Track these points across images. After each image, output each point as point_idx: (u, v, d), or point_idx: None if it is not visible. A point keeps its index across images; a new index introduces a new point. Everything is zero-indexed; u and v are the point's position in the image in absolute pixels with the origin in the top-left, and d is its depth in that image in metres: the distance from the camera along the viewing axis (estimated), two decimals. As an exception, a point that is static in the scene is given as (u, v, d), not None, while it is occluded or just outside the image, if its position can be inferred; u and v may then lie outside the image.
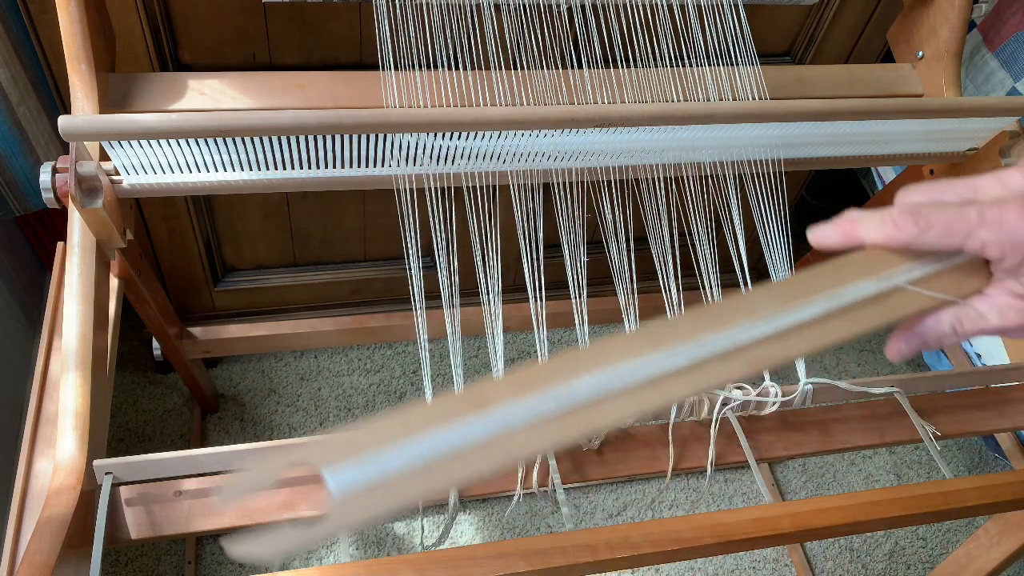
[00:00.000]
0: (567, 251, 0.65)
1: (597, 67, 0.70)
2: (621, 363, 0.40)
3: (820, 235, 0.45)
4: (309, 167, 0.62)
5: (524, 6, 0.70)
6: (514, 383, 0.39)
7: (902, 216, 0.43)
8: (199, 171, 0.61)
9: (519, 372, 0.40)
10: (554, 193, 0.66)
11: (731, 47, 0.71)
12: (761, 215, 0.68)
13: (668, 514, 1.24)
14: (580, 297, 0.63)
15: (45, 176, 0.58)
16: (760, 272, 0.63)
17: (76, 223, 0.60)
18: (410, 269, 0.59)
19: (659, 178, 0.68)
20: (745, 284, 0.66)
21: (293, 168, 0.62)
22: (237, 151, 0.59)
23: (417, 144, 0.61)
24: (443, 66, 0.67)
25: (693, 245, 0.66)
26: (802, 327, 0.43)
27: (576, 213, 0.66)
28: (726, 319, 0.42)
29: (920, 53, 0.82)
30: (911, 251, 0.44)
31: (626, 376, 0.40)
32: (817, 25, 1.04)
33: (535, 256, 0.63)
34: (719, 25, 0.71)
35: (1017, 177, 0.42)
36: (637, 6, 0.71)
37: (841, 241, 0.45)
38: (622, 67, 0.70)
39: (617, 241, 0.66)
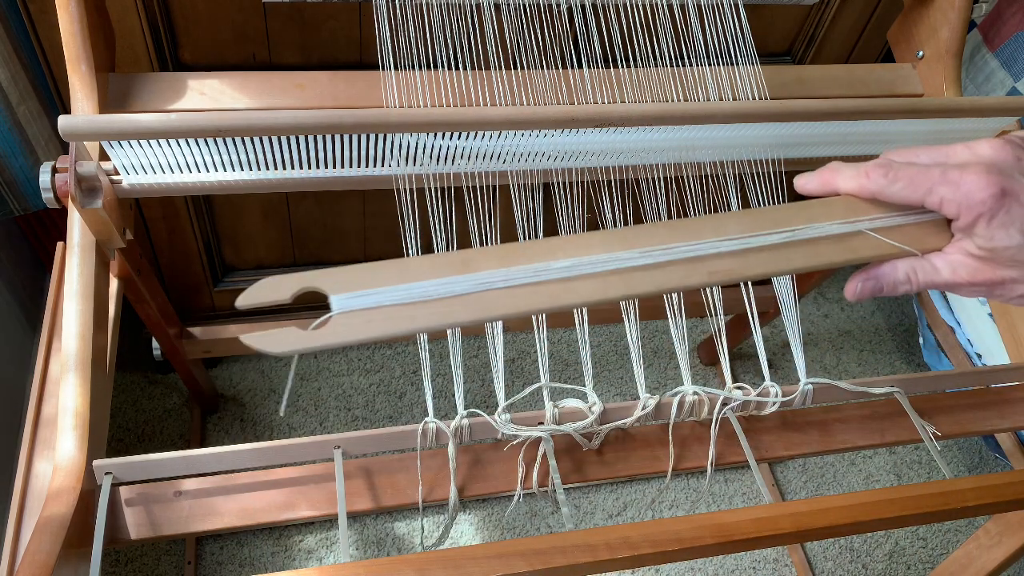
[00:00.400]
0: (567, 251, 0.65)
1: (597, 67, 0.69)
2: (595, 254, 0.46)
3: (802, 182, 0.50)
4: (309, 167, 0.62)
5: (524, 6, 0.70)
6: (500, 254, 0.45)
7: (874, 168, 0.47)
8: (199, 171, 0.61)
9: (506, 246, 0.46)
10: (554, 193, 0.66)
11: (731, 47, 0.71)
12: (761, 215, 0.68)
13: (668, 514, 1.24)
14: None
15: (45, 176, 0.58)
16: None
17: (76, 223, 0.60)
18: (410, 269, 0.59)
19: (659, 178, 0.68)
20: (744, 283, 0.66)
21: (293, 168, 0.62)
22: (237, 151, 0.59)
23: (417, 144, 0.61)
24: (443, 66, 0.67)
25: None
26: (764, 249, 0.48)
27: (576, 213, 0.66)
28: (695, 232, 0.47)
29: (920, 53, 0.82)
30: (880, 202, 0.48)
31: (598, 264, 0.45)
32: (817, 25, 1.04)
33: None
34: (719, 25, 0.71)
35: (985, 147, 0.46)
36: (637, 6, 0.71)
37: (819, 189, 0.50)
38: (622, 67, 0.69)
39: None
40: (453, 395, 0.59)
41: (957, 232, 0.47)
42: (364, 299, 0.43)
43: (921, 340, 1.32)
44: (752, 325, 0.66)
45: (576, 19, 0.69)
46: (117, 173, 0.60)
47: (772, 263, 0.48)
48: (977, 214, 0.44)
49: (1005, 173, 0.44)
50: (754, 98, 0.70)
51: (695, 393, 0.62)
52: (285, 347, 0.41)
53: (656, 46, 0.70)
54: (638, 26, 0.70)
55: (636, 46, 0.69)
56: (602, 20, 0.71)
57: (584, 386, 0.61)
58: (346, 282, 0.43)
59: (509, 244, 0.46)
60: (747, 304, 0.67)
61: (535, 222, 0.65)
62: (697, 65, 0.70)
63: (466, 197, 0.64)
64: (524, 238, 0.64)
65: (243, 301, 0.41)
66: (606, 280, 0.45)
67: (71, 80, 0.61)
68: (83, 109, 0.62)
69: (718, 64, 0.70)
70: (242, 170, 0.61)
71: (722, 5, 0.72)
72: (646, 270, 0.46)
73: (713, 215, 0.50)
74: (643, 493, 1.24)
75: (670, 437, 0.63)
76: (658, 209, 0.67)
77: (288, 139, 0.58)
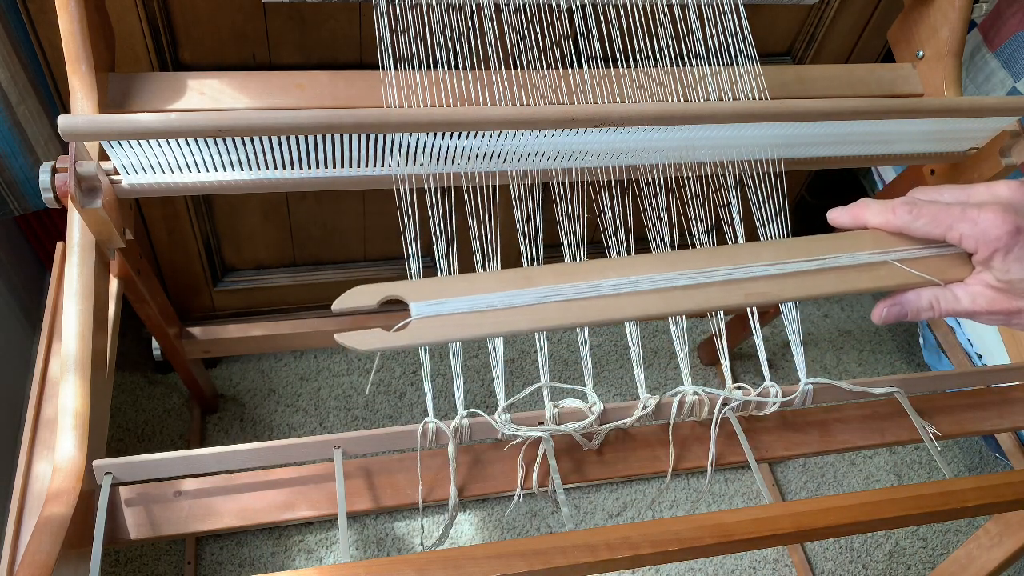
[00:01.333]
0: (567, 251, 0.65)
1: (597, 67, 0.69)
2: (642, 274, 0.51)
3: (834, 215, 0.55)
4: (309, 167, 0.62)
5: (524, 6, 0.70)
6: (558, 271, 0.51)
7: (900, 205, 0.52)
8: (199, 171, 0.61)
9: (562, 265, 0.52)
10: (554, 193, 0.66)
11: (731, 47, 0.71)
12: (761, 215, 0.68)
13: (668, 514, 1.24)
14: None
15: (44, 176, 0.58)
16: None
17: (76, 223, 0.60)
18: (410, 269, 0.59)
19: (659, 178, 0.68)
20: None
21: (293, 168, 0.62)
22: (237, 151, 0.59)
23: (417, 144, 0.61)
24: (443, 66, 0.66)
25: (693, 245, 0.66)
26: (797, 275, 0.52)
27: (576, 213, 0.66)
28: (733, 257, 0.52)
29: (920, 53, 0.82)
30: (905, 236, 0.53)
31: (644, 283, 0.51)
32: (817, 25, 1.04)
33: (535, 256, 0.63)
34: (719, 25, 0.71)
35: (1004, 188, 0.50)
36: (637, 6, 0.71)
37: (850, 222, 0.55)
38: (622, 67, 0.69)
39: (617, 241, 0.66)
40: (453, 395, 0.59)
41: (977, 265, 0.51)
42: (438, 307, 0.48)
43: (921, 340, 1.32)
44: (752, 325, 0.66)
45: (576, 19, 0.69)
46: (117, 173, 0.60)
47: (804, 288, 0.52)
48: (994, 249, 0.49)
49: (1021, 212, 0.49)
50: (754, 98, 0.70)
51: (695, 393, 0.62)
52: (371, 345, 0.47)
53: (656, 46, 0.70)
54: (638, 26, 0.70)
55: (636, 46, 0.69)
56: (602, 20, 0.70)
57: (584, 386, 0.61)
58: (423, 292, 0.49)
59: (566, 263, 0.52)
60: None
61: (535, 222, 0.65)
62: (697, 65, 0.70)
63: (466, 197, 0.64)
64: (524, 238, 0.64)
65: (338, 306, 0.48)
66: (650, 298, 0.50)
67: (71, 80, 0.61)
68: (83, 109, 0.62)
69: (718, 64, 0.70)
70: (242, 170, 0.61)
71: (722, 5, 0.72)
72: (687, 290, 0.51)
73: (750, 243, 0.55)
74: (643, 493, 1.24)
75: (670, 437, 0.63)
76: (658, 209, 0.67)
77: (288, 139, 0.58)
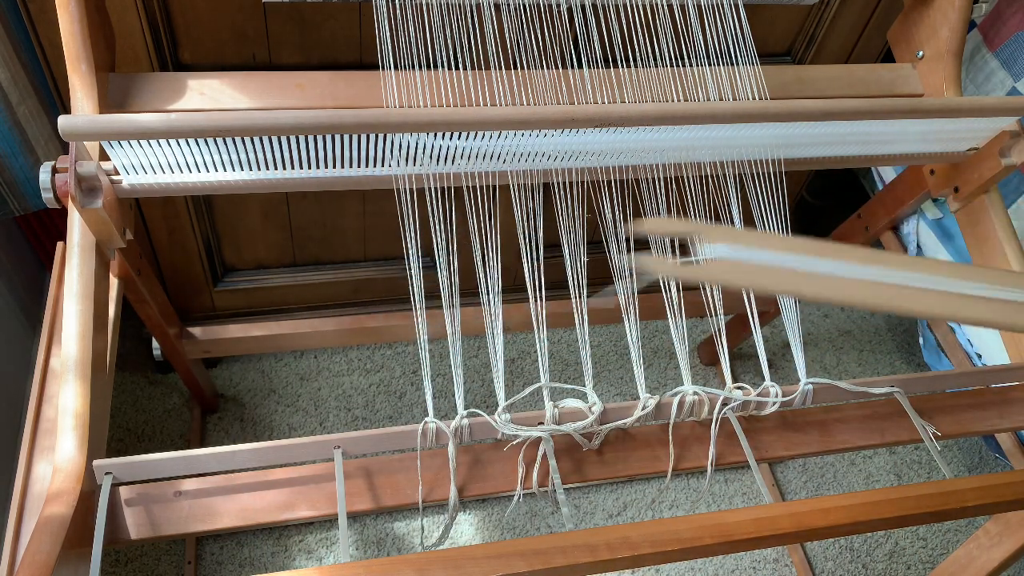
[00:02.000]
0: (567, 251, 0.65)
1: (597, 67, 0.69)
2: (940, 276, 0.52)
3: None
4: (309, 167, 0.62)
5: (524, 6, 0.70)
6: (871, 254, 0.52)
7: None
8: (199, 171, 0.61)
9: (880, 251, 0.54)
10: (554, 193, 0.66)
11: (731, 47, 0.71)
12: (761, 215, 0.68)
13: (668, 514, 1.24)
14: (580, 297, 0.63)
15: (45, 176, 0.58)
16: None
17: (76, 223, 0.60)
18: (410, 269, 0.59)
19: (659, 178, 0.68)
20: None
21: (293, 168, 0.62)
22: (237, 151, 0.59)
23: (417, 144, 0.61)
24: (443, 66, 0.67)
25: (693, 244, 0.66)
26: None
27: (576, 213, 0.66)
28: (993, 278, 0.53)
29: (920, 53, 0.82)
30: None
31: (941, 284, 0.51)
32: (817, 25, 1.04)
33: (535, 256, 0.63)
34: (719, 25, 0.71)
35: None
36: (637, 6, 0.71)
37: None
38: (622, 67, 0.69)
39: (617, 241, 0.66)
40: (453, 395, 0.59)
41: None
42: (730, 251, 0.51)
43: (921, 340, 1.32)
44: (752, 325, 0.66)
45: (576, 19, 0.69)
46: (117, 173, 0.60)
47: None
48: None
49: None
50: (754, 98, 0.70)
51: (695, 393, 0.62)
52: (666, 271, 0.52)
53: (656, 46, 0.70)
54: (638, 26, 0.70)
55: (636, 46, 0.69)
56: (602, 20, 0.71)
57: (584, 386, 0.61)
58: (718, 237, 0.52)
59: (882, 251, 0.55)
60: (747, 304, 0.67)
61: (535, 222, 0.65)
62: (697, 65, 0.70)
63: (466, 197, 0.64)
64: (524, 238, 0.64)
65: (640, 268, 0.52)
66: (947, 299, 0.51)
67: (71, 80, 0.61)
68: (83, 109, 0.62)
69: (718, 64, 0.70)
70: (242, 170, 0.61)
71: (722, 5, 0.72)
72: (990, 303, 0.51)
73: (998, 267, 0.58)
74: (643, 493, 1.24)
75: (670, 437, 0.63)
76: (658, 209, 0.67)
77: (288, 139, 0.58)
